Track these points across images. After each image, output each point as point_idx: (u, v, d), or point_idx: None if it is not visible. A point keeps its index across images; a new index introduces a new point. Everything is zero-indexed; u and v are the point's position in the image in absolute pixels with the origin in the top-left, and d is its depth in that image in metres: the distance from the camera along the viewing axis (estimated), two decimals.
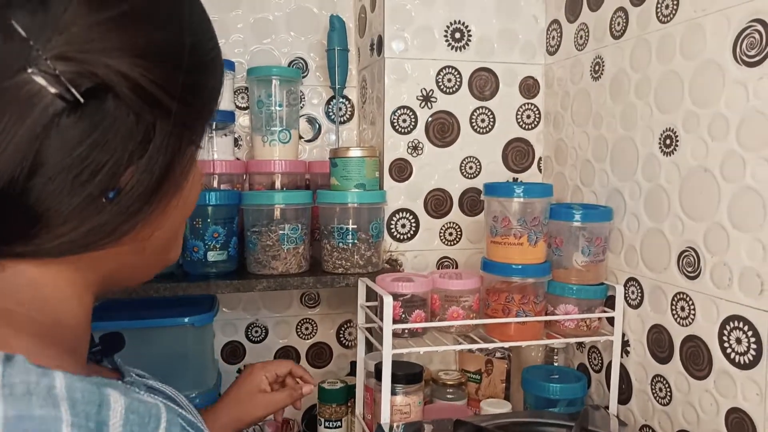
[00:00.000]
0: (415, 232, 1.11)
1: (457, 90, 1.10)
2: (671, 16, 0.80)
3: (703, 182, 0.76)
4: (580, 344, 1.04)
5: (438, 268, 1.12)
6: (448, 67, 1.09)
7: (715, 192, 0.74)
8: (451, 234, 1.13)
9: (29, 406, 0.31)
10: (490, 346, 0.91)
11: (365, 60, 1.19)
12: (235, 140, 1.20)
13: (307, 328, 1.30)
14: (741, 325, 0.71)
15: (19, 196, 0.34)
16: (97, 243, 0.38)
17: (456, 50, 1.09)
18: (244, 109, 1.22)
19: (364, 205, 1.01)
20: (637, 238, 0.89)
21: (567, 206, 0.95)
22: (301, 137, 1.24)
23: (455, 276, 0.96)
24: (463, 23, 1.08)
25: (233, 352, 1.26)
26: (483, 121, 1.11)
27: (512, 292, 0.91)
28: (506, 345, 0.91)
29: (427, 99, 1.09)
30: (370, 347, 0.99)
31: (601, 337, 0.94)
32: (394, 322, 0.85)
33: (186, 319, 0.99)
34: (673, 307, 0.82)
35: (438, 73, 1.09)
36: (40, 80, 0.33)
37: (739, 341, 0.72)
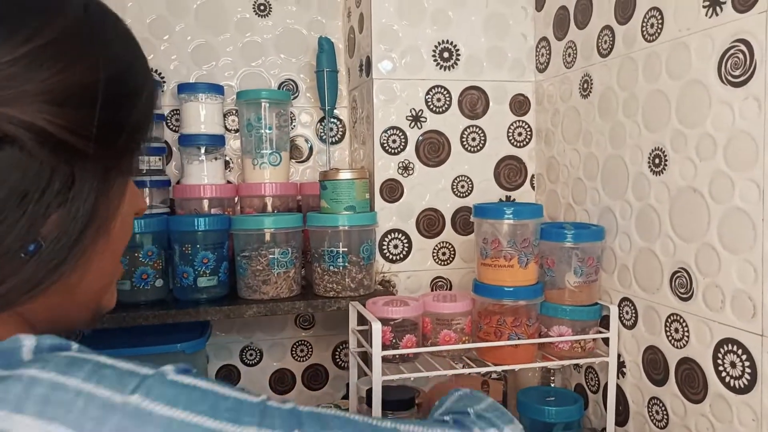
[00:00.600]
0: (408, 253, 1.10)
1: (446, 109, 1.09)
2: (656, 35, 0.80)
3: (692, 202, 0.75)
4: (576, 365, 1.03)
5: (432, 289, 1.11)
6: (437, 86, 1.08)
7: (705, 212, 0.73)
8: (444, 254, 1.12)
9: None
10: (483, 370, 0.89)
11: (355, 80, 1.19)
12: (227, 163, 1.20)
13: (302, 350, 1.29)
14: (735, 348, 0.70)
15: None
16: (19, 299, 0.36)
17: (445, 69, 1.08)
18: (235, 131, 1.22)
19: (354, 228, 1.00)
20: (629, 257, 0.88)
21: (558, 226, 0.94)
22: (292, 158, 1.24)
23: (447, 298, 0.94)
24: (452, 42, 1.08)
25: (228, 376, 1.25)
26: (474, 139, 1.11)
27: (504, 314, 0.89)
28: (499, 369, 0.89)
29: (416, 119, 1.08)
30: (363, 371, 0.98)
31: (596, 358, 0.93)
32: (385, 347, 0.84)
33: (178, 346, 0.98)
34: (667, 329, 0.81)
35: (427, 93, 1.08)
36: None
37: (733, 365, 0.70)
